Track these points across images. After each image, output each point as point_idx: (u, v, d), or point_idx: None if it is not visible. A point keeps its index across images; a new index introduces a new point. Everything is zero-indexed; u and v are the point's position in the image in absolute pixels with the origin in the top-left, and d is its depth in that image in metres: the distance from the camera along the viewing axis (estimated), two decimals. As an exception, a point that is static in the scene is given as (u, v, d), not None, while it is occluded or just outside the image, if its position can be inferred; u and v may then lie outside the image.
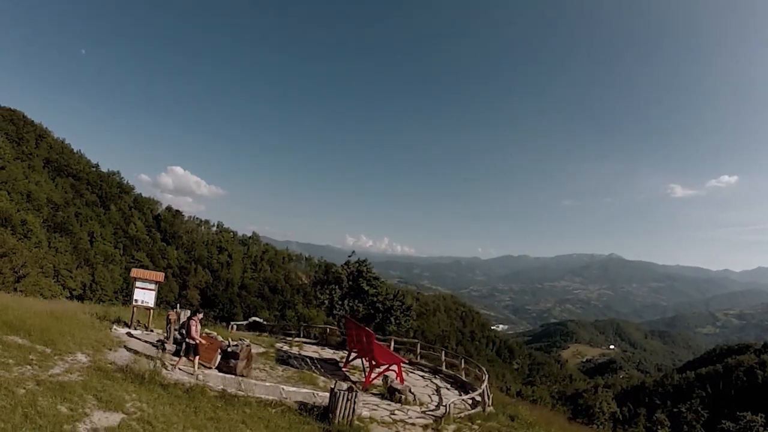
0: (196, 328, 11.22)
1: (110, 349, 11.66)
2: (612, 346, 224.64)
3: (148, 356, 11.37)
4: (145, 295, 15.23)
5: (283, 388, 10.91)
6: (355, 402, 9.95)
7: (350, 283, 22.11)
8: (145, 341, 13.42)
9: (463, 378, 17.06)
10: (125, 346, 12.25)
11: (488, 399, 13.63)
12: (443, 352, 19.28)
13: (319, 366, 16.38)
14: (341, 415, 9.87)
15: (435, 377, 17.66)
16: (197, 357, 11.26)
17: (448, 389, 16.00)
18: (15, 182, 79.65)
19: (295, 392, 10.83)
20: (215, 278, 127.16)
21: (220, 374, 11.51)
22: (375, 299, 21.28)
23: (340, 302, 21.03)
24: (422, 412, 12.12)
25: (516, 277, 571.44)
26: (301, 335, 22.47)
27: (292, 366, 15.50)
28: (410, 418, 11.42)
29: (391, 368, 14.71)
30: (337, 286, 21.72)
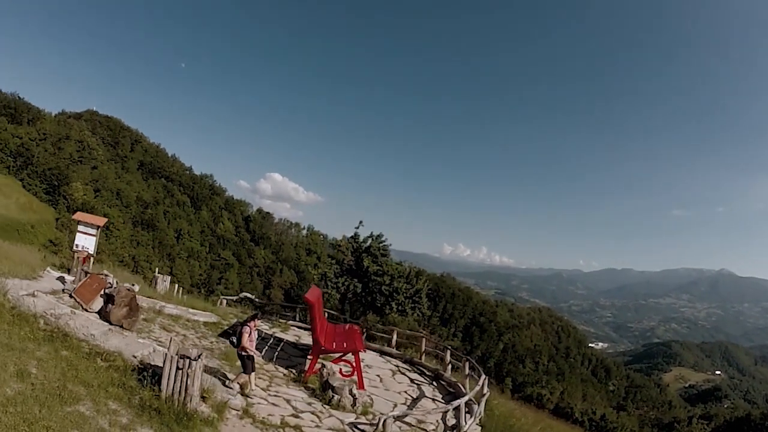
0: (250, 337, 9.18)
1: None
2: (718, 372, 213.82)
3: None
4: (86, 241, 14.50)
5: (139, 342, 8.78)
6: (193, 376, 7.31)
7: (353, 260, 19.44)
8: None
9: (465, 389, 13.16)
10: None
11: (476, 416, 10.16)
12: (448, 351, 15.58)
13: (278, 349, 14.01)
14: (170, 389, 7.32)
15: (432, 384, 14.21)
16: (252, 374, 9.26)
17: (435, 400, 12.50)
18: (105, 181, 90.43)
19: (142, 344, 8.60)
20: (300, 279, 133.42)
21: (92, 318, 9.82)
22: (378, 278, 18.27)
23: (334, 279, 18.44)
24: (351, 423, 9.03)
25: (619, 291, 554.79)
26: (297, 318, 20.29)
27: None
28: (317, 427, 8.47)
29: (344, 357, 11.86)
30: (335, 261, 19.21)
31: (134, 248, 74.89)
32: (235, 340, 9.27)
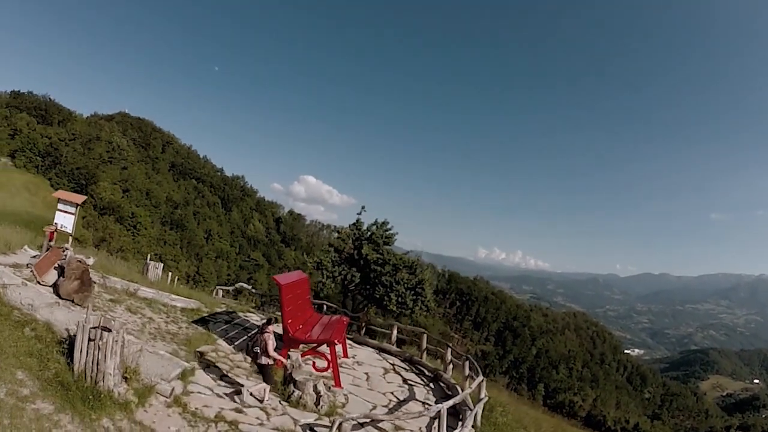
0: (272, 343, 8.77)
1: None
2: (756, 381, 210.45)
3: None
4: (64, 219, 14.25)
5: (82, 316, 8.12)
6: (105, 351, 6.50)
7: (353, 248, 18.43)
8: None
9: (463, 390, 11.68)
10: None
11: (466, 425, 8.86)
12: (449, 349, 14.21)
13: (250, 337, 13.13)
14: (82, 363, 6.53)
15: (428, 385, 12.95)
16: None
17: (425, 404, 11.19)
18: (134, 181, 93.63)
19: (66, 313, 7.96)
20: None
21: (42, 291, 9.33)
22: (377, 268, 17.16)
23: (331, 268, 17.47)
24: (306, 424, 7.97)
25: (656, 297, 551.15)
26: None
27: (206, 328, 12.55)
28: (260, 425, 7.46)
29: (319, 349, 10.85)
30: (333, 249, 18.25)
31: (161, 247, 77.06)
32: (258, 350, 8.66)
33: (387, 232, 18.95)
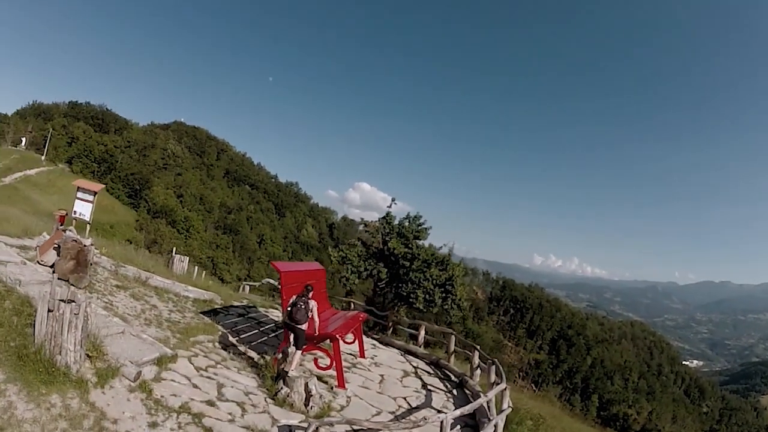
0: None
1: None
2: None
3: None
4: (82, 207, 14.88)
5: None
6: (63, 323, 6.26)
7: (381, 242, 17.76)
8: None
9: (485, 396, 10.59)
10: None
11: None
12: (476, 352, 13.04)
13: (263, 331, 12.83)
14: (41, 336, 6.33)
15: (451, 392, 11.95)
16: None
17: (440, 413, 10.21)
18: (188, 186, 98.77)
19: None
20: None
21: (40, 270, 9.52)
22: (405, 263, 16.35)
23: (357, 263, 16.88)
24: (285, 425, 7.33)
25: (717, 306, 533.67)
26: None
27: (214, 320, 12.33)
28: (229, 422, 6.91)
29: (320, 345, 10.19)
30: (361, 243, 17.66)
31: (213, 250, 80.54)
32: (298, 316, 9.05)
33: (420, 227, 18.13)
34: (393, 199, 18.91)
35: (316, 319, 9.57)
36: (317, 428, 6.43)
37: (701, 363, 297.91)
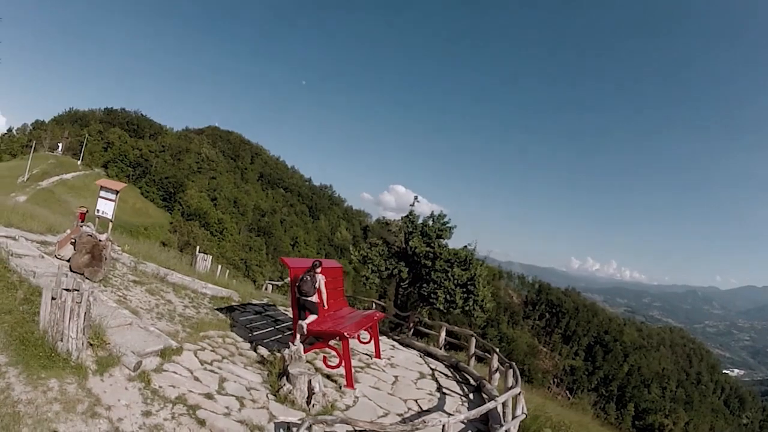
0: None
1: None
2: None
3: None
4: (106, 206, 15.43)
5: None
6: (64, 310, 6.53)
7: (403, 241, 17.67)
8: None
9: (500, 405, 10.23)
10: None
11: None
12: (495, 356, 12.70)
13: (278, 329, 12.94)
14: (45, 322, 6.72)
15: (467, 396, 11.69)
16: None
17: (445, 413, 9.98)
18: (222, 189, 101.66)
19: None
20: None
21: (56, 263, 9.99)
22: (426, 262, 16.18)
23: (377, 261, 16.83)
24: (282, 422, 7.30)
25: (759, 312, 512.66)
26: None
27: (229, 316, 12.53)
28: (224, 415, 6.92)
29: (331, 342, 10.15)
30: (383, 242, 17.61)
31: (246, 252, 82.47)
32: (305, 288, 9.76)
33: (444, 225, 17.94)
34: (416, 197, 18.88)
35: (324, 290, 10.19)
36: (311, 425, 6.39)
37: (742, 372, 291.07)
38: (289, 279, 11.19)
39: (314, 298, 9.95)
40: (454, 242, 21.68)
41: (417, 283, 16.91)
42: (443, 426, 7.12)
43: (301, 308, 9.90)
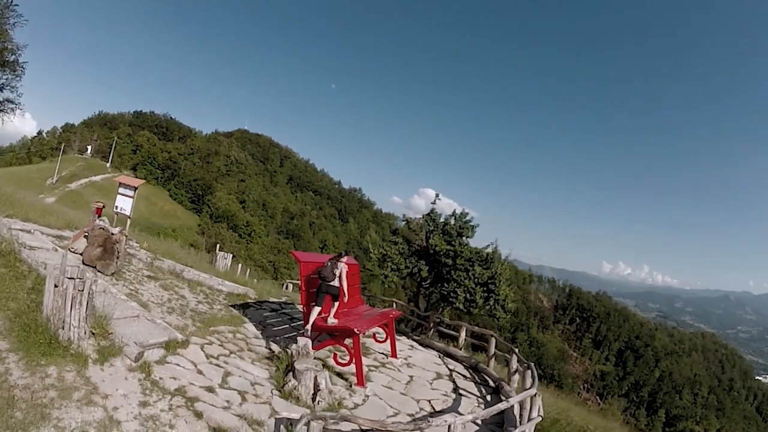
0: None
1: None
2: None
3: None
4: (124, 203, 15.75)
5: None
6: (65, 298, 6.61)
7: (424, 240, 17.44)
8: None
9: (515, 408, 9.84)
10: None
11: None
12: (514, 356, 12.29)
13: (293, 327, 12.90)
14: (48, 310, 6.77)
15: (485, 397, 11.33)
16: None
17: (458, 414, 9.66)
18: (251, 192, 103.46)
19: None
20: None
21: (68, 256, 10.12)
22: (447, 260, 15.89)
23: (397, 260, 16.65)
24: (283, 418, 7.21)
25: None
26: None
27: (243, 313, 12.59)
28: (224, 409, 6.85)
29: (343, 340, 10.00)
30: (403, 240, 17.42)
31: (274, 255, 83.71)
32: (327, 274, 9.90)
33: (466, 224, 17.62)
34: (437, 195, 18.66)
35: (345, 279, 10.25)
36: (309, 422, 6.26)
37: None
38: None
39: (335, 283, 10.07)
40: (480, 245, 21.46)
41: (438, 283, 16.64)
42: (449, 426, 6.90)
43: (321, 293, 9.97)
